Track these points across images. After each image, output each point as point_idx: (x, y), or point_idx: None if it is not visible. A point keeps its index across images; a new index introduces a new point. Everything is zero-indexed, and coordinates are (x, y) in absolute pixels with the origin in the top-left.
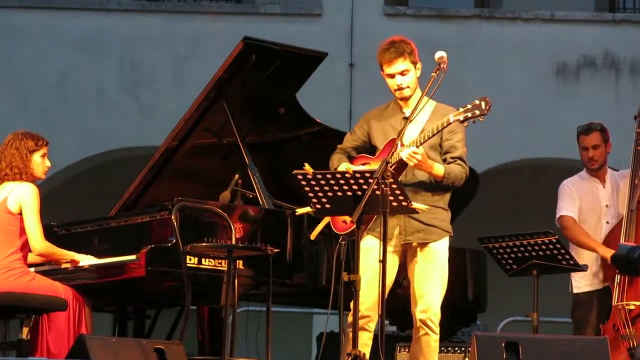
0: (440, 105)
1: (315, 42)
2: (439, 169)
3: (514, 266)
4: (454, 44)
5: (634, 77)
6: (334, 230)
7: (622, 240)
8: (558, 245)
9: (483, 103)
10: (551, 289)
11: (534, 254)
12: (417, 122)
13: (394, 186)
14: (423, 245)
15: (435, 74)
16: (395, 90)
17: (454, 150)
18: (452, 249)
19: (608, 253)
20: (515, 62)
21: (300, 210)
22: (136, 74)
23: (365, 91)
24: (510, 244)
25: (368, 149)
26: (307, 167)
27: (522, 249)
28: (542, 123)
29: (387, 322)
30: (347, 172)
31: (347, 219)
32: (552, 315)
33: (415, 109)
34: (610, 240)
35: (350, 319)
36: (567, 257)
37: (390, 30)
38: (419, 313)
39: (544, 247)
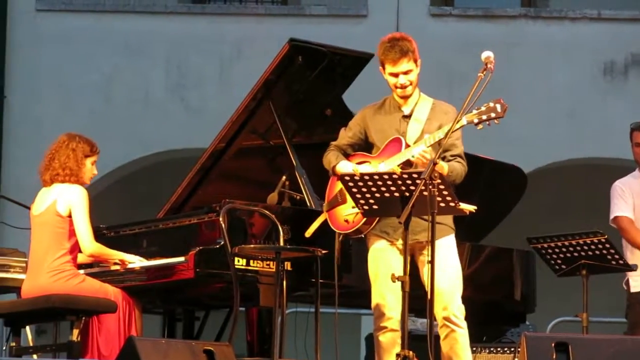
0: (438, 103)
1: (361, 43)
2: (444, 166)
3: (563, 266)
4: (500, 43)
5: None
6: (334, 228)
7: None
8: (607, 245)
9: (498, 106)
10: (600, 289)
11: (583, 253)
12: (417, 121)
13: (442, 187)
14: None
15: (482, 75)
16: (396, 88)
17: (454, 148)
18: (501, 250)
19: None
20: (562, 62)
21: (348, 212)
22: (182, 76)
23: None
24: (559, 244)
25: (364, 146)
26: (355, 169)
27: (571, 249)
28: (590, 123)
29: (422, 320)
30: (394, 173)
31: (351, 218)
32: (601, 315)
33: (415, 106)
34: None
35: (377, 321)
36: (616, 256)
37: (436, 31)
38: (440, 311)
39: (593, 247)
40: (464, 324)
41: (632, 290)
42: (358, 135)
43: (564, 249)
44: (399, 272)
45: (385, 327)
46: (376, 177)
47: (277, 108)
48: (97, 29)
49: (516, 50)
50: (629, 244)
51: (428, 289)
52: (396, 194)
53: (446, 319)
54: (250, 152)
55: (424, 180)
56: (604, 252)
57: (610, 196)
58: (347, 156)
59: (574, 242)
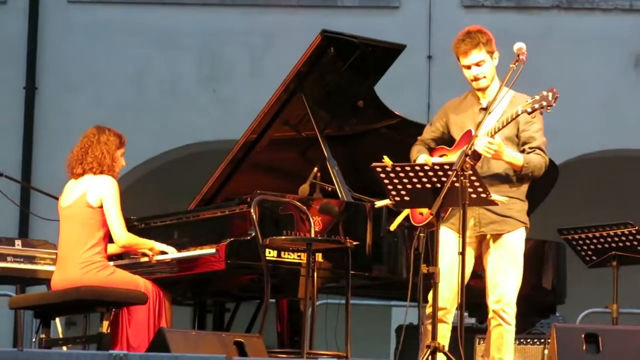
0: (518, 95)
1: (393, 35)
2: (517, 158)
3: (594, 257)
4: (533, 35)
5: None
6: (412, 222)
7: None
8: (638, 236)
9: (550, 94)
10: (631, 280)
11: (613, 245)
12: (496, 113)
13: (473, 178)
14: (497, 236)
15: (514, 66)
16: (471, 81)
17: (532, 140)
18: (531, 241)
19: None
20: (594, 53)
21: (379, 203)
22: (213, 68)
23: (443, 83)
24: (590, 235)
25: (447, 140)
26: (386, 160)
27: (601, 240)
28: (622, 114)
29: (466, 314)
30: (426, 165)
31: (424, 211)
32: (632, 307)
33: (494, 100)
34: None
35: (428, 311)
36: None
37: (469, 22)
38: (492, 304)
39: (623, 238)
40: (513, 322)
41: None
42: (440, 129)
43: (594, 240)
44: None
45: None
46: (408, 168)
47: (309, 100)
48: (128, 20)
49: (548, 41)
50: None
51: (487, 282)
52: (428, 185)
53: (496, 312)
54: (281, 144)
55: (455, 172)
56: (635, 243)
57: None
58: (430, 150)
59: (604, 234)
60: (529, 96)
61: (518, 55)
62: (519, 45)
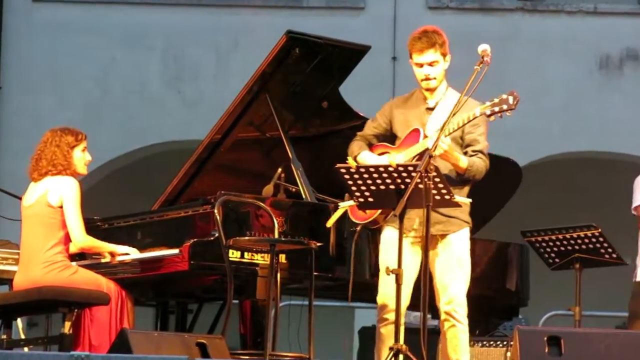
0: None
1: (359, 36)
2: (462, 161)
3: (557, 260)
4: (497, 37)
5: None
6: (353, 219)
7: None
8: (601, 239)
9: (511, 98)
10: (593, 283)
11: (576, 247)
12: (441, 114)
13: (437, 179)
14: (443, 236)
15: (478, 67)
16: (422, 80)
17: (475, 143)
18: (494, 243)
19: None
20: (558, 56)
21: (342, 204)
22: (179, 68)
23: (408, 85)
24: (553, 237)
25: (389, 137)
26: (351, 161)
27: (564, 242)
28: (585, 116)
29: (429, 315)
30: (390, 166)
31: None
32: (594, 309)
33: (459, 105)
34: None
35: (380, 313)
36: (609, 250)
37: (434, 23)
38: (444, 305)
39: (586, 240)
40: (466, 321)
41: (636, 279)
42: (383, 125)
43: (557, 243)
44: (407, 264)
45: (387, 319)
46: (372, 169)
47: (273, 100)
48: (94, 20)
49: (512, 43)
50: None
51: (436, 283)
52: (392, 187)
53: (449, 313)
54: (246, 144)
55: (419, 173)
56: (598, 245)
57: (633, 187)
58: (371, 146)
59: (567, 236)
60: (479, 101)
61: (482, 57)
62: (483, 47)
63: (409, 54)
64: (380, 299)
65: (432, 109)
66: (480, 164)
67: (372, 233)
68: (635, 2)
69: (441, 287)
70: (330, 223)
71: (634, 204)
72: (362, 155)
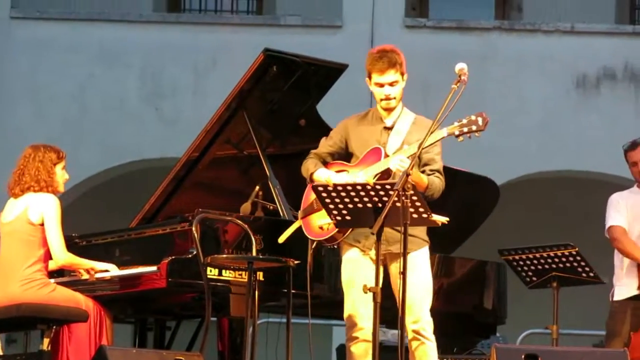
0: (419, 118)
1: (336, 54)
2: (423, 179)
3: (534, 278)
4: (474, 56)
5: None
6: (307, 235)
7: None
8: (578, 258)
9: (480, 119)
10: (571, 301)
11: (554, 266)
12: (398, 133)
13: (414, 198)
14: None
15: (455, 86)
16: (381, 100)
17: (433, 163)
18: (472, 262)
19: None
20: (535, 74)
21: (320, 222)
22: (157, 86)
23: None
24: (530, 256)
25: (343, 155)
26: (328, 179)
27: (542, 261)
28: (562, 135)
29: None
30: (367, 184)
31: (326, 225)
32: (571, 328)
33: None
34: None
35: (350, 331)
36: (587, 269)
37: (411, 42)
38: (411, 324)
39: (564, 259)
40: (433, 337)
41: (615, 298)
42: (338, 144)
43: (535, 261)
44: (371, 282)
45: (357, 338)
46: (349, 187)
47: (251, 118)
48: (72, 37)
49: (489, 62)
50: (621, 253)
51: (399, 300)
52: (369, 205)
53: (417, 332)
54: (224, 162)
55: (397, 192)
56: (575, 264)
57: (606, 208)
58: (325, 164)
59: (545, 254)
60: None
61: (459, 76)
62: (461, 66)
63: (368, 74)
64: (348, 317)
65: (389, 129)
66: (438, 183)
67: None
68: (612, 21)
69: (408, 306)
70: (282, 239)
71: (607, 225)
72: (319, 173)
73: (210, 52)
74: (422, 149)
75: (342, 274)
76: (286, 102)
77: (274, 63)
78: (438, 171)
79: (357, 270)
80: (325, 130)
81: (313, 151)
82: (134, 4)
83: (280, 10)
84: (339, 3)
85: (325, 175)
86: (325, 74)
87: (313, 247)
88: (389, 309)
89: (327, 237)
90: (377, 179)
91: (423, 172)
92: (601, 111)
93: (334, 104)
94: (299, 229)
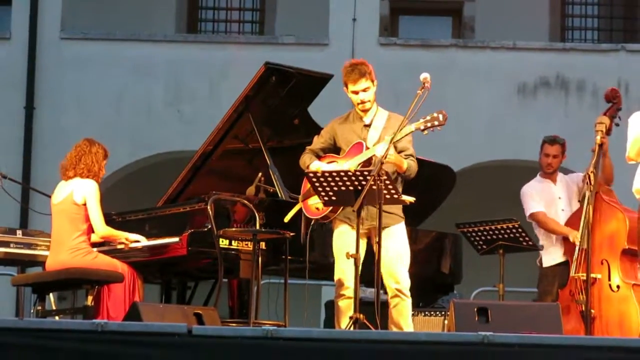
0: (392, 114)
1: (323, 66)
2: (403, 162)
3: (484, 246)
4: (435, 67)
5: (579, 95)
6: (306, 214)
7: (581, 224)
8: (520, 230)
9: (441, 116)
10: (514, 264)
11: (500, 236)
12: (376, 129)
13: (387, 182)
14: (384, 228)
15: (420, 92)
16: (358, 104)
17: (406, 149)
18: (434, 233)
19: (572, 234)
20: (485, 82)
21: (311, 202)
22: (178, 93)
23: None
24: (481, 228)
25: (333, 149)
26: (317, 167)
27: (490, 232)
28: (507, 132)
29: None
30: (349, 171)
31: (320, 206)
32: (515, 286)
33: (407, 119)
34: (569, 224)
35: (338, 289)
36: (527, 239)
37: (384, 57)
38: (393, 284)
39: (508, 231)
40: (409, 295)
41: (544, 265)
42: (328, 141)
43: (484, 233)
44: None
45: (343, 295)
46: (334, 174)
47: (254, 118)
48: (109, 53)
49: (448, 72)
50: (548, 232)
51: (384, 268)
52: (350, 188)
53: (399, 290)
54: (233, 154)
55: (373, 177)
56: (517, 235)
57: (521, 199)
58: (319, 157)
59: (492, 227)
60: (401, 115)
61: (423, 84)
62: (424, 75)
63: (344, 84)
64: (337, 278)
65: (368, 126)
66: (413, 164)
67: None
68: (547, 39)
69: (389, 270)
70: (287, 218)
71: (527, 213)
72: (314, 164)
73: (221, 65)
74: (396, 141)
75: (334, 243)
76: (283, 105)
77: (273, 74)
78: (412, 155)
79: (346, 241)
80: (315, 127)
81: (308, 147)
82: (160, 26)
83: (278, 31)
84: (326, 26)
85: (318, 165)
86: (314, 83)
87: (312, 223)
88: (371, 272)
89: (322, 215)
90: (362, 166)
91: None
92: (537, 113)
93: (321, 106)
94: (300, 210)
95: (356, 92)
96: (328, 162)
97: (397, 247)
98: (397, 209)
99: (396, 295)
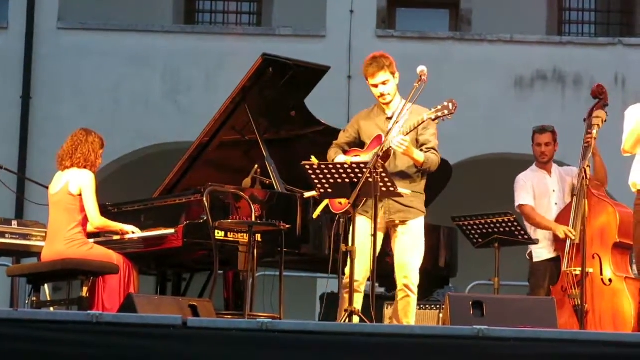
0: (416, 107)
1: (320, 58)
2: (420, 155)
3: (480, 240)
4: (433, 60)
5: (576, 89)
6: (332, 210)
7: (571, 219)
8: (516, 223)
9: (451, 104)
10: (510, 259)
11: (496, 230)
12: (400, 122)
13: (383, 174)
14: (403, 222)
15: (417, 84)
16: (378, 97)
17: (428, 142)
18: (430, 226)
19: (559, 229)
20: (482, 75)
21: (307, 194)
22: (175, 83)
23: (360, 100)
24: (477, 222)
25: (358, 143)
26: (314, 159)
27: (486, 226)
28: (504, 125)
29: (377, 284)
30: (345, 163)
31: (343, 201)
32: (510, 280)
33: (401, 111)
34: (560, 219)
35: (345, 282)
36: (522, 232)
37: (381, 49)
38: (401, 278)
39: (504, 224)
40: (416, 291)
41: (534, 260)
42: (353, 135)
43: (480, 226)
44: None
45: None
46: (331, 166)
47: (251, 110)
48: (107, 43)
49: (445, 65)
50: (534, 226)
51: (396, 260)
52: (347, 180)
53: (406, 285)
54: (229, 145)
55: (369, 169)
56: (513, 229)
57: (514, 188)
58: (345, 152)
59: (489, 221)
60: (426, 107)
61: (420, 76)
62: (421, 68)
63: (365, 78)
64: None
65: (390, 118)
66: (433, 158)
67: (330, 218)
68: (544, 33)
69: (400, 264)
70: (315, 214)
71: (517, 203)
72: (338, 159)
73: (218, 56)
74: (410, 131)
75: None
76: (280, 97)
77: (270, 65)
78: (433, 148)
79: (361, 235)
80: (312, 120)
81: (334, 142)
82: (157, 17)
83: (275, 23)
84: (323, 17)
85: (343, 160)
86: (311, 75)
87: (337, 218)
88: (383, 267)
89: (344, 210)
90: (381, 158)
91: (421, 150)
92: (534, 106)
93: (318, 99)
94: (291, 201)
95: (375, 86)
96: (353, 157)
97: (411, 242)
98: (419, 202)
99: (402, 290)
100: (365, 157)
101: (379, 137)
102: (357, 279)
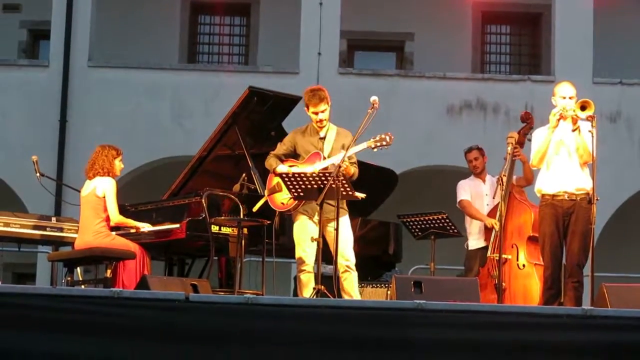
0: (340, 129)
1: (294, 90)
2: (352, 170)
3: (419, 233)
4: (383, 92)
5: (495, 115)
6: (273, 207)
7: (497, 215)
8: (448, 220)
9: (388, 137)
10: (443, 248)
11: (432, 225)
12: (329, 141)
13: (344, 182)
14: (335, 219)
15: (370, 111)
16: (317, 122)
17: (352, 158)
18: (380, 222)
19: (488, 220)
20: (421, 104)
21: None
22: (181, 110)
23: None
24: (417, 219)
25: (292, 155)
26: (288, 169)
27: (424, 222)
28: (439, 143)
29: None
30: (314, 173)
31: (286, 201)
32: (443, 264)
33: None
34: (490, 215)
35: (300, 267)
36: (453, 227)
37: (342, 83)
38: (343, 261)
39: (438, 221)
40: (355, 269)
41: (469, 248)
42: (290, 148)
43: (420, 222)
44: (314, 235)
45: (304, 270)
46: (302, 174)
47: (240, 130)
48: (127, 78)
49: (393, 96)
50: (470, 217)
51: (333, 247)
52: (315, 186)
53: (348, 266)
54: (222, 158)
55: (332, 178)
56: (445, 224)
57: (456, 189)
58: (282, 161)
59: (427, 218)
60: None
61: (373, 104)
62: (374, 98)
63: (306, 106)
64: (298, 258)
65: (323, 139)
66: (356, 170)
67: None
68: (469, 70)
69: (341, 252)
70: (255, 209)
71: (458, 199)
72: (280, 167)
73: (214, 88)
74: (348, 155)
75: (295, 230)
76: (263, 120)
77: (255, 95)
78: (355, 163)
79: (305, 229)
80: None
81: (272, 152)
82: (166, 57)
83: (259, 62)
84: (297, 58)
85: (285, 169)
86: (287, 103)
87: (278, 215)
88: (325, 253)
89: (286, 209)
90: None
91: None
92: (462, 128)
93: (292, 122)
94: (266, 201)
95: (316, 113)
96: (290, 166)
97: (346, 233)
98: (343, 203)
99: (346, 270)
100: (304, 167)
101: (317, 153)
102: (309, 263)
